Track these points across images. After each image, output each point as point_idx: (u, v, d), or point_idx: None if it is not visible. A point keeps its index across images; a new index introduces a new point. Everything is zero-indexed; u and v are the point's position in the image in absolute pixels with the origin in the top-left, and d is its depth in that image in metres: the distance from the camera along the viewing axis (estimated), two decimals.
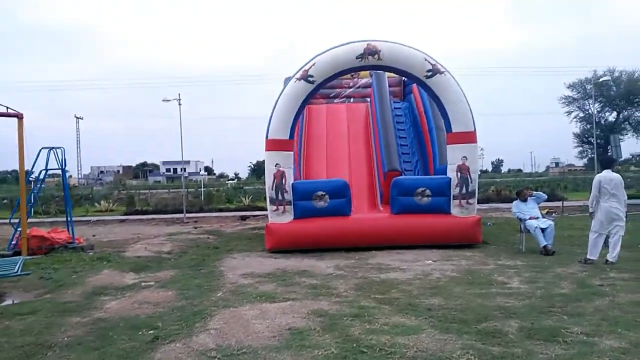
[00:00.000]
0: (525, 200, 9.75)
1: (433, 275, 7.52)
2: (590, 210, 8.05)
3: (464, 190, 10.18)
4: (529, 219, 9.30)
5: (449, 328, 4.84)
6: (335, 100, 16.70)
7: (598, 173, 8.19)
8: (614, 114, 51.55)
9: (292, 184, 10.29)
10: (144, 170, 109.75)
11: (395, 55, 10.10)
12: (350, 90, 16.80)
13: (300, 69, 10.29)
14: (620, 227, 7.78)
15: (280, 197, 10.25)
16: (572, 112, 49.58)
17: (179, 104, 20.00)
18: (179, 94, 20.09)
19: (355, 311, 5.52)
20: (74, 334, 4.95)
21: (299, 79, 10.23)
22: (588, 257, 7.91)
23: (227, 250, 10.71)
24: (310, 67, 10.19)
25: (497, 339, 4.52)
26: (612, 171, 8.03)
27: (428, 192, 10.23)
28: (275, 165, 10.24)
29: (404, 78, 15.51)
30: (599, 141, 50.61)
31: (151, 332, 4.86)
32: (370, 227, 10.31)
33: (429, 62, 10.11)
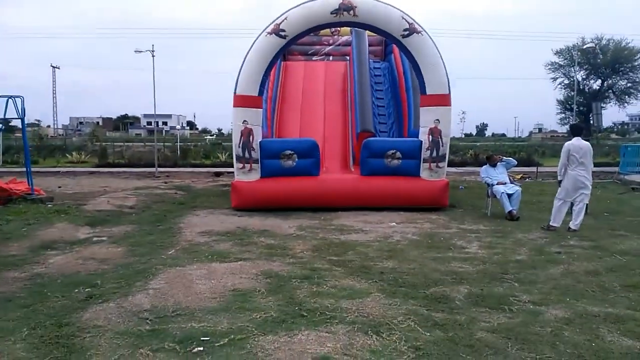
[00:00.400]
0: (494, 166, 9.64)
1: (393, 237, 7.42)
2: (559, 177, 7.95)
3: (434, 154, 10.02)
4: (497, 184, 9.21)
5: (396, 292, 4.74)
6: (314, 58, 16.21)
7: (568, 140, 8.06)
8: (599, 82, 51.69)
9: (259, 142, 10.01)
10: (124, 122, 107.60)
11: (371, 12, 9.68)
12: (330, 47, 16.30)
13: (271, 23, 9.83)
14: (585, 195, 7.72)
15: (247, 155, 9.97)
16: (557, 78, 49.66)
17: (152, 56, 19.29)
18: (152, 45, 19.36)
19: (306, 273, 5.39)
20: (7, 289, 4.74)
21: (269, 33, 9.78)
22: (551, 224, 7.87)
23: (192, 207, 10.49)
24: (282, 21, 9.73)
25: (442, 304, 4.43)
26: (582, 139, 7.92)
27: (398, 154, 10.04)
28: (243, 122, 9.92)
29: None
30: (581, 108, 50.88)
31: (88, 290, 4.67)
32: (338, 189, 10.14)
33: (406, 20, 9.73)
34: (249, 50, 9.88)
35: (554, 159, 29.44)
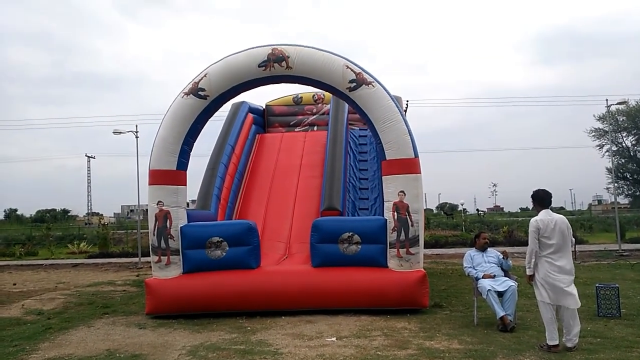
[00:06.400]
0: (484, 249, 7.07)
1: None
2: (528, 272, 5.39)
3: (402, 236, 7.60)
4: (482, 277, 6.62)
5: None
6: (297, 129, 14.42)
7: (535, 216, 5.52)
8: None
9: (180, 227, 7.96)
10: None
11: (308, 63, 7.79)
12: (314, 117, 14.52)
13: (190, 82, 8.09)
14: (570, 297, 5.12)
15: (163, 244, 7.91)
16: (603, 145, 46.04)
17: (136, 137, 18.08)
18: (136, 126, 18.22)
19: None
20: None
21: (187, 94, 8.00)
22: (549, 342, 5.18)
23: (104, 313, 8.37)
24: (202, 79, 7.97)
25: None
26: (553, 211, 5.43)
27: (357, 237, 7.70)
28: (158, 203, 7.95)
29: None
30: (635, 176, 46.66)
31: None
32: (282, 285, 7.78)
33: (351, 70, 7.75)
34: (164, 117, 8.10)
35: (603, 235, 25.77)
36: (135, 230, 31.91)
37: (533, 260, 5.26)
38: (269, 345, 5.96)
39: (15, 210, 64.62)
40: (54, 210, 75.26)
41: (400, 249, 7.59)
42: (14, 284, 13.34)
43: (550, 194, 5.48)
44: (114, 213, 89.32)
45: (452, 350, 5.43)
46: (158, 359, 5.51)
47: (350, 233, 7.70)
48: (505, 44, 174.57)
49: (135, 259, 19.00)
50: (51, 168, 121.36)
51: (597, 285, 7.10)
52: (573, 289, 5.16)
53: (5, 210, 61.28)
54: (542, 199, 5.45)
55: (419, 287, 7.50)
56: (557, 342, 5.12)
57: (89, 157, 60.74)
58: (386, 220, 7.72)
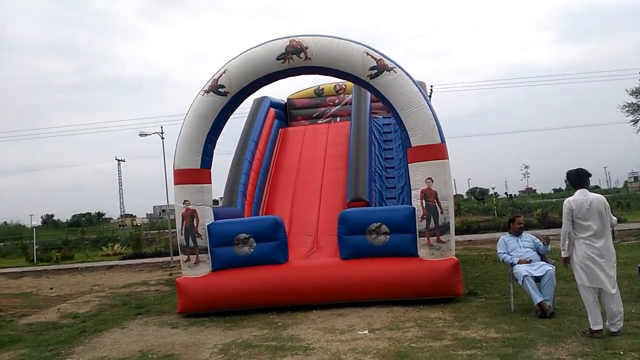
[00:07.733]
0: (518, 234, 6.83)
1: None
2: (563, 254, 5.16)
3: (432, 224, 7.40)
4: (518, 262, 6.39)
5: None
6: (320, 121, 14.28)
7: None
8: None
9: (207, 225, 7.94)
10: None
11: (327, 52, 7.63)
12: (336, 108, 14.34)
13: (209, 80, 8.04)
14: (610, 279, 4.86)
15: (191, 243, 7.92)
16: (638, 120, 44.40)
17: (162, 138, 18.26)
18: (161, 127, 18.38)
19: None
20: None
21: (207, 92, 7.95)
22: (592, 327, 4.95)
23: (137, 314, 8.45)
24: (221, 76, 7.91)
25: None
26: (589, 191, 5.16)
27: (385, 227, 7.55)
28: (184, 203, 7.95)
29: None
30: None
31: None
32: (311, 279, 7.70)
33: (372, 57, 7.55)
34: (186, 115, 8.08)
35: None
36: (166, 231, 32.45)
37: (567, 242, 5.04)
38: (300, 340, 5.88)
39: (52, 215, 66.37)
40: (89, 214, 76.92)
41: (430, 237, 7.40)
42: (51, 289, 13.65)
43: (585, 172, 5.22)
44: (147, 214, 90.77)
45: (490, 340, 5.25)
46: (190, 359, 5.48)
47: (378, 223, 7.55)
48: (528, 22, 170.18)
49: (168, 258, 19.22)
50: (84, 173, 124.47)
51: (639, 265, 6.79)
52: (613, 271, 4.92)
53: (42, 217, 63.03)
54: (574, 178, 5.22)
55: (452, 275, 7.30)
56: (601, 327, 4.89)
57: (119, 160, 61.79)
58: (414, 208, 7.54)
